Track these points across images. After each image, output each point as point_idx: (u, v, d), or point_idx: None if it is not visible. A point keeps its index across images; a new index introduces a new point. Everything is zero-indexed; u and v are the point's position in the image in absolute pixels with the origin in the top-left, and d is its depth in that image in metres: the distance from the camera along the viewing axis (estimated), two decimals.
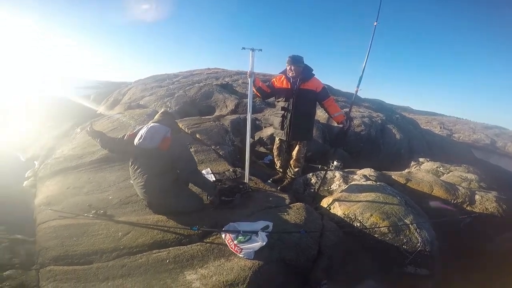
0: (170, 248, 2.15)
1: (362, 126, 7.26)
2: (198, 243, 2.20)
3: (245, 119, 6.39)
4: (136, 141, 2.37)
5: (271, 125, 6.41)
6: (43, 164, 4.21)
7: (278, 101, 3.47)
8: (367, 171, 4.23)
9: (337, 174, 3.99)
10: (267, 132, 6.06)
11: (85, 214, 2.51)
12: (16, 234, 2.55)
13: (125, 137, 2.56)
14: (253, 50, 3.08)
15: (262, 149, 5.64)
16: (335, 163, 4.54)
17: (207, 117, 6.22)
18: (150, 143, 2.34)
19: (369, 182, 3.66)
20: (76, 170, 3.58)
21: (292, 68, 3.17)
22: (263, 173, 4.11)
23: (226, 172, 3.56)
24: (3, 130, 6.67)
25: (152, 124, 2.48)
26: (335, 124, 6.15)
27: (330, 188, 3.77)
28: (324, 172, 3.82)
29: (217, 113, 7.52)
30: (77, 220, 2.48)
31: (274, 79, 3.50)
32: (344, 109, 5.52)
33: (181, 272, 1.93)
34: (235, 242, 2.13)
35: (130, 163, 2.52)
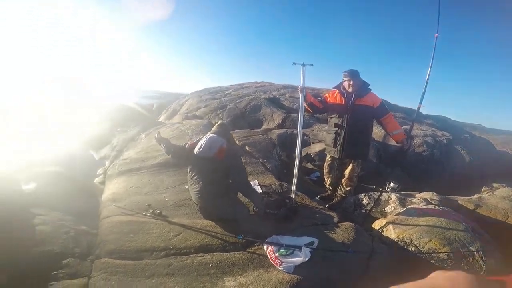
0: (214, 253, 2.24)
1: (424, 146, 6.60)
2: (241, 252, 2.26)
3: (292, 134, 6.40)
4: (196, 149, 2.60)
5: (320, 141, 6.29)
6: (112, 164, 4.80)
7: (331, 117, 3.39)
8: (428, 194, 3.90)
9: (393, 196, 3.72)
10: (315, 148, 5.95)
11: (143, 213, 2.75)
12: (82, 226, 2.84)
13: (187, 146, 2.82)
14: (304, 65, 3.11)
15: (309, 165, 5.54)
16: (391, 184, 4.23)
17: (255, 130, 6.40)
18: (208, 152, 2.54)
19: (430, 206, 3.37)
20: (139, 172, 3.99)
21: (352, 82, 3.07)
22: (309, 190, 4.04)
23: (272, 186, 3.60)
24: (83, 132, 7.84)
25: (210, 135, 2.69)
26: (393, 143, 5.74)
27: (384, 210, 3.55)
28: (379, 193, 3.58)
29: (264, 127, 7.67)
30: (136, 217, 2.73)
31: (326, 94, 3.45)
32: (404, 127, 5.14)
33: (221, 278, 2.00)
34: (277, 254, 2.14)
35: (188, 170, 2.74)
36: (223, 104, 9.70)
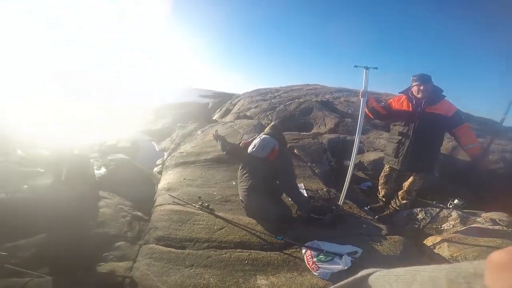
0: (251, 251, 2.27)
1: (501, 163, 5.60)
2: (277, 252, 2.26)
3: (344, 140, 6.11)
4: (249, 149, 2.69)
5: (375, 149, 5.86)
6: (170, 156, 5.25)
7: (394, 125, 3.10)
8: (497, 215, 3.39)
9: (454, 213, 3.32)
10: (369, 156, 5.55)
11: (193, 204, 2.91)
12: (138, 211, 3.10)
13: (241, 144, 2.93)
14: (367, 68, 2.93)
15: (360, 174, 5.20)
16: (456, 201, 3.71)
17: (305, 133, 6.28)
18: (261, 152, 2.60)
19: (497, 227, 2.95)
20: (193, 165, 4.27)
21: (422, 88, 2.76)
22: (357, 199, 3.81)
23: (319, 191, 3.49)
24: (149, 125, 8.78)
25: (264, 136, 2.74)
26: (462, 157, 5.02)
27: (440, 227, 3.21)
28: (439, 209, 3.20)
29: (314, 130, 7.47)
30: (186, 208, 2.90)
31: (391, 100, 3.18)
32: (480, 139, 4.43)
33: (254, 275, 2.01)
34: (315, 259, 2.11)
35: (240, 167, 2.85)
36: (272, 105, 9.78)
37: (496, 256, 0.29)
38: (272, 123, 3.16)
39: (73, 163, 3.77)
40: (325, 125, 7.75)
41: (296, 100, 10.21)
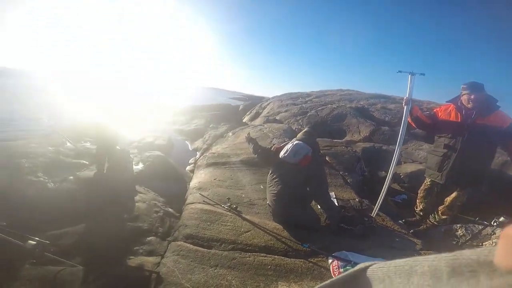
0: (275, 256, 2.24)
1: None
2: (302, 260, 2.22)
3: (380, 150, 5.79)
4: (281, 154, 2.67)
5: (414, 161, 5.49)
6: (202, 156, 5.42)
7: (440, 136, 2.87)
8: None
9: (498, 231, 3.00)
10: (406, 168, 5.20)
11: (222, 205, 2.96)
12: (170, 208, 3.20)
13: (273, 148, 2.93)
14: (412, 74, 2.75)
15: (396, 186, 4.89)
16: (501, 219, 3.37)
17: (338, 140, 6.07)
18: (292, 158, 2.57)
19: None
20: (223, 166, 4.36)
21: (473, 97, 2.53)
22: (391, 212, 3.60)
23: (350, 201, 3.36)
24: (183, 125, 9.17)
25: (296, 142, 2.71)
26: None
27: (481, 245, 3.00)
28: (482, 226, 2.92)
29: (347, 138, 7.19)
30: (215, 208, 2.95)
31: (438, 109, 2.95)
32: None
33: (275, 281, 1.98)
34: (341, 270, 2.05)
35: (270, 171, 2.84)
36: (303, 110, 9.62)
37: None
38: (306, 128, 3.10)
39: (115, 157, 4.05)
40: (360, 133, 7.42)
41: (329, 105, 9.94)
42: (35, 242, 1.70)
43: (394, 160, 2.90)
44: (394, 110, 8.93)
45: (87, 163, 4.38)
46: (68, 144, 4.74)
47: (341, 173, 4.25)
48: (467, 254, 0.30)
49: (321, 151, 4.85)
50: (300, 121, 8.87)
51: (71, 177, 3.59)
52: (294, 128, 7.69)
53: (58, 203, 2.94)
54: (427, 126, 2.94)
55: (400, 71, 2.79)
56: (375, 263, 0.44)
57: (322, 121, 8.62)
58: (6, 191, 3.03)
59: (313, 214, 2.70)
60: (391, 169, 2.92)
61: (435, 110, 2.96)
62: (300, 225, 2.57)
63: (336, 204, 3.11)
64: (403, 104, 2.82)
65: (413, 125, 3.01)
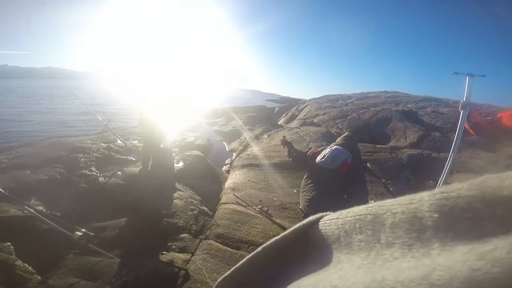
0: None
1: None
2: None
3: (429, 158, 5.25)
4: (318, 159, 2.55)
5: (468, 171, 4.84)
6: (238, 156, 5.50)
7: (503, 146, 2.50)
8: None
9: None
10: (459, 179, 4.61)
11: (254, 207, 2.94)
12: (204, 206, 3.30)
13: (309, 153, 2.82)
14: (471, 75, 2.43)
15: None
16: None
17: (381, 146, 5.67)
18: (330, 163, 2.43)
19: None
20: (257, 168, 4.36)
21: None
22: None
23: None
24: (222, 127, 9.45)
25: (335, 147, 2.56)
26: None
27: None
28: None
29: (392, 143, 6.67)
30: (247, 209, 2.95)
31: (502, 114, 2.55)
32: None
33: None
34: None
35: (305, 176, 2.73)
36: (343, 113, 9.19)
37: None
38: (346, 133, 2.92)
39: (159, 155, 4.34)
40: (406, 138, 6.82)
41: (372, 108, 9.35)
42: (81, 233, 1.88)
43: (446, 168, 2.59)
44: (446, 114, 8.05)
45: (134, 159, 4.77)
46: (119, 141, 5.21)
47: (383, 181, 3.95)
48: (462, 188, 0.19)
49: (362, 157, 4.57)
50: (339, 124, 8.49)
51: (119, 172, 3.93)
52: (333, 132, 7.39)
53: (105, 196, 3.23)
54: (489, 133, 2.55)
55: (456, 73, 2.49)
56: (327, 214, 0.33)
57: (364, 125, 8.14)
58: (63, 183, 3.43)
59: None
60: (442, 177, 2.61)
61: (499, 116, 2.56)
62: None
63: None
64: (459, 108, 2.51)
65: (471, 131, 2.65)
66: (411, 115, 8.23)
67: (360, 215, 0.27)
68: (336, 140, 2.74)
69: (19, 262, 1.86)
